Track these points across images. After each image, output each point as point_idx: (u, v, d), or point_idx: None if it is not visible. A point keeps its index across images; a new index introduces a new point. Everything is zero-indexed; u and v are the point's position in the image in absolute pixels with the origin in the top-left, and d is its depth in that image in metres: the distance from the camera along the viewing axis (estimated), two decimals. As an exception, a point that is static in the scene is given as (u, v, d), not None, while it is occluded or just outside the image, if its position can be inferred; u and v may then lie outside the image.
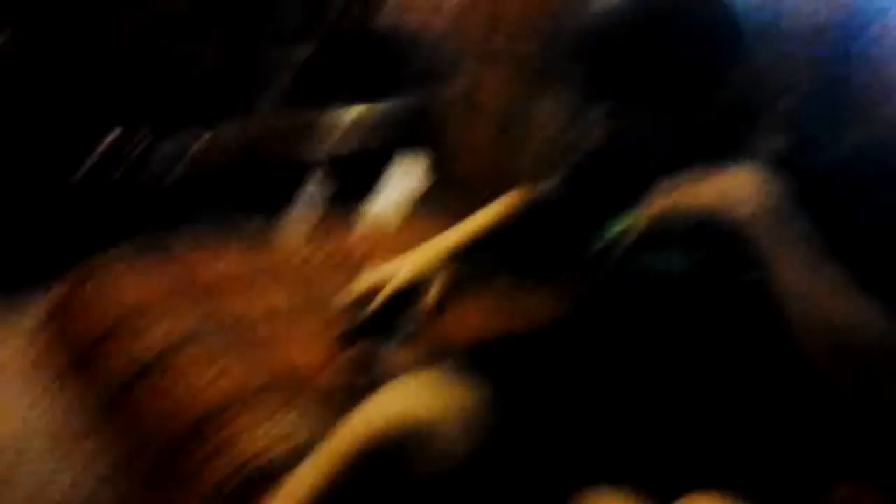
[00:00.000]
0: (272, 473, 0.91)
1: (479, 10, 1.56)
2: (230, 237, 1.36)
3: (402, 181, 1.92)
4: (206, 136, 1.58)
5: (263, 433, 0.96)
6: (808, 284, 0.76)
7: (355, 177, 1.73)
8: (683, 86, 0.91)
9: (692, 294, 0.90)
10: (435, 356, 1.05)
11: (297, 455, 0.91)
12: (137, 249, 1.31)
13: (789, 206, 0.78)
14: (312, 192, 1.64)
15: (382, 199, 1.72)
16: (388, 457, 0.84)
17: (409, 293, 1.04)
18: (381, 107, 1.75)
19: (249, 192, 1.57)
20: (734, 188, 0.81)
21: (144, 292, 1.21)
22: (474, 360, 0.94)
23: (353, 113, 1.66)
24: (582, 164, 1.16)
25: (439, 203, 1.59)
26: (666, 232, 0.88)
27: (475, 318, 1.19)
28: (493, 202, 1.23)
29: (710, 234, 0.83)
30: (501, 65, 1.51)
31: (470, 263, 1.11)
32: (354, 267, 1.28)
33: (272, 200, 1.59)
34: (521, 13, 1.48)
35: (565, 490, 0.81)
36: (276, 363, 1.07)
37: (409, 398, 0.86)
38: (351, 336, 1.02)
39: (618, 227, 0.97)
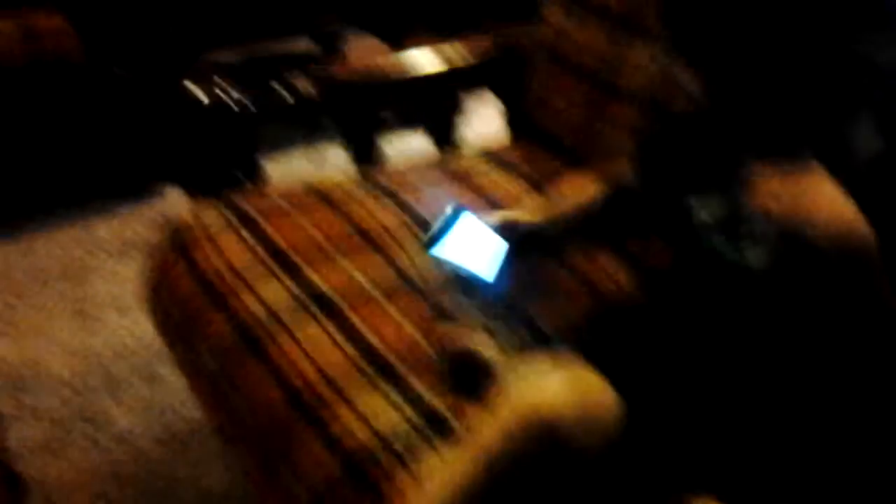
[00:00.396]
0: (374, 454, 0.96)
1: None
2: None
3: (484, 122, 1.92)
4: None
5: (364, 410, 1.01)
6: None
7: (437, 116, 1.74)
8: (783, 55, 0.87)
9: (772, 293, 0.91)
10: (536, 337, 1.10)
11: (399, 435, 0.97)
12: (222, 210, 1.36)
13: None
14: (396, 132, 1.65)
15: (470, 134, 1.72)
16: (543, 448, 0.81)
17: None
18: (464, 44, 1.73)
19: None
20: (836, 220, 0.80)
21: (238, 259, 1.26)
22: (587, 347, 0.94)
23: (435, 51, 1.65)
24: (665, 135, 1.14)
25: (518, 150, 1.59)
26: (756, 232, 0.88)
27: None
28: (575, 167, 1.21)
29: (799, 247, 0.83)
30: (589, 17, 1.47)
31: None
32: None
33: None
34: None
35: (672, 490, 0.84)
36: (371, 337, 1.11)
37: (551, 389, 0.83)
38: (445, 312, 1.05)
39: (707, 211, 0.98)
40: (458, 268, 1.10)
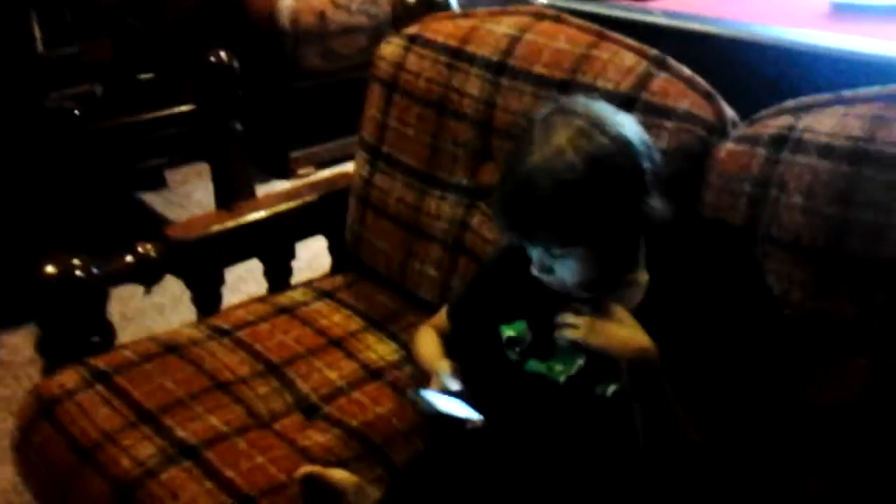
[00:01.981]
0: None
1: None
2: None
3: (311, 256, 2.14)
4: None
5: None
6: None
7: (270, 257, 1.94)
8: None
9: (571, 400, 1.19)
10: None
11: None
12: (81, 372, 1.50)
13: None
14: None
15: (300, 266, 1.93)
16: None
17: None
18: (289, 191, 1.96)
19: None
20: (626, 340, 1.09)
21: (102, 417, 1.40)
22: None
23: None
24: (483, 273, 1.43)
25: (343, 282, 1.83)
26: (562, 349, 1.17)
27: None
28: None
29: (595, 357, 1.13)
30: (392, 171, 1.74)
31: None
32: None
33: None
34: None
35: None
36: (241, 482, 1.28)
37: None
38: None
39: (511, 332, 1.25)
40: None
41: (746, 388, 1.19)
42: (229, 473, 1.30)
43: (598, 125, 1.13)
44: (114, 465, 1.32)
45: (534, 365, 1.24)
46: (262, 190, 3.10)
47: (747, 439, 1.21)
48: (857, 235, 1.17)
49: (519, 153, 1.15)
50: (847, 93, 1.26)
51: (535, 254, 1.17)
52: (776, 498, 1.24)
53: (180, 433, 1.37)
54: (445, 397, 1.21)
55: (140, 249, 1.65)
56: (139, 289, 2.19)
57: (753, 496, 1.25)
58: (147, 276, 1.67)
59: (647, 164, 1.14)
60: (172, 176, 3.49)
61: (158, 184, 3.42)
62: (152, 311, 2.61)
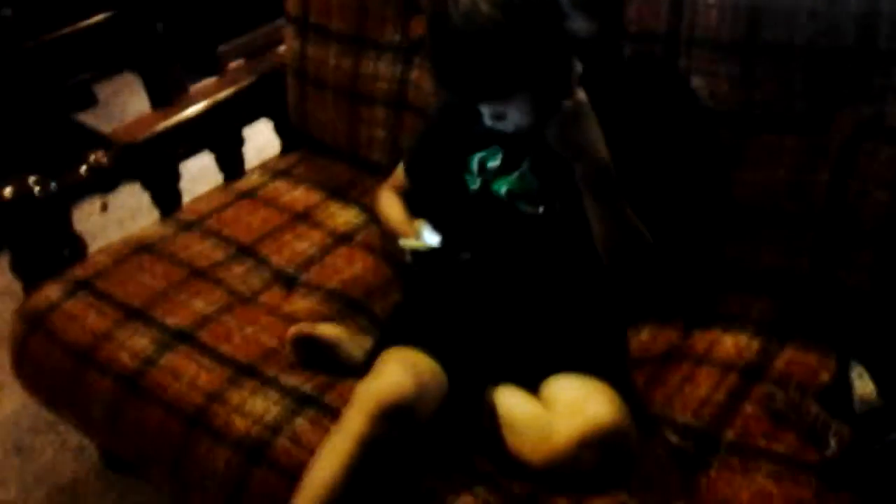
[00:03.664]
0: (260, 449, 1.22)
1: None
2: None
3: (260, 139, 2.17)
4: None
5: (243, 417, 1.27)
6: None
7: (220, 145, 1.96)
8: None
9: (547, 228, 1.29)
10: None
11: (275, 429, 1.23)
12: (61, 284, 1.55)
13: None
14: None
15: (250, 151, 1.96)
16: (397, 423, 1.09)
17: None
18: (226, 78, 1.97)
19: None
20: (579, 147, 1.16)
21: (92, 321, 1.46)
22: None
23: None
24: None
25: (295, 159, 1.87)
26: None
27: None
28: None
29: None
30: (324, 39, 1.75)
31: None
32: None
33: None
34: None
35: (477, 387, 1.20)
36: (236, 353, 1.36)
37: (393, 378, 1.12)
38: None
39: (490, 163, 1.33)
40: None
41: (683, 183, 1.29)
42: (224, 348, 1.37)
43: None
44: (113, 361, 1.39)
45: (502, 182, 1.32)
46: (194, 89, 3.06)
47: (689, 229, 1.31)
48: (772, 23, 1.23)
49: (438, 15, 1.17)
50: None
51: (483, 109, 1.23)
52: (715, 278, 1.36)
53: (170, 321, 1.43)
54: (432, 238, 1.30)
55: (92, 159, 1.66)
56: (96, 208, 2.22)
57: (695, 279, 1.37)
58: (103, 184, 1.69)
59: None
60: (102, 91, 3.41)
61: (89, 101, 3.35)
62: (114, 226, 2.63)
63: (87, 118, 3.27)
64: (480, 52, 1.13)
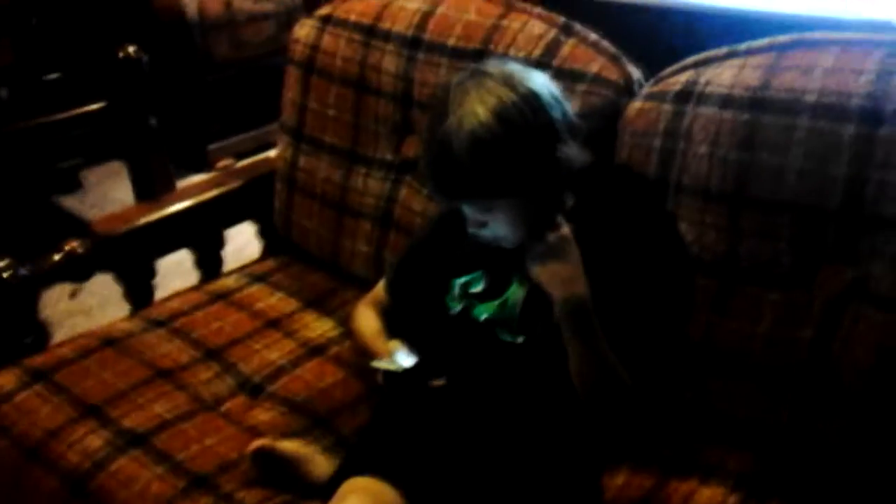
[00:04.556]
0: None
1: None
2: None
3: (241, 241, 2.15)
4: None
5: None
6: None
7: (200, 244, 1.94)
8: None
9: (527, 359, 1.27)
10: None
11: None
12: (18, 374, 1.49)
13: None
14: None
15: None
16: None
17: None
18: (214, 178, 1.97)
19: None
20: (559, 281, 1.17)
21: (46, 416, 1.40)
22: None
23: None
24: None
25: (275, 264, 1.85)
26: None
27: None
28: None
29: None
30: (317, 151, 1.77)
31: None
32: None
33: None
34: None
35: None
36: (193, 463, 1.30)
37: None
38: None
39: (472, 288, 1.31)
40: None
41: (662, 328, 1.28)
42: (180, 456, 1.31)
43: (507, 82, 1.19)
44: (62, 460, 1.33)
45: (483, 308, 1.30)
46: (181, 185, 3.07)
47: (667, 373, 1.30)
48: (760, 178, 1.25)
49: (436, 119, 1.20)
50: (741, 46, 1.34)
51: (467, 212, 1.23)
52: (694, 426, 1.33)
53: (126, 423, 1.38)
54: (406, 360, 1.27)
55: (68, 247, 1.63)
56: (65, 294, 2.17)
57: (674, 425, 1.34)
58: (76, 273, 1.66)
59: (556, 114, 1.21)
60: (87, 177, 3.42)
61: (74, 186, 3.35)
62: (80, 314, 2.58)
63: (70, 202, 3.27)
64: (470, 151, 1.15)
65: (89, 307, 2.58)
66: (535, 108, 1.19)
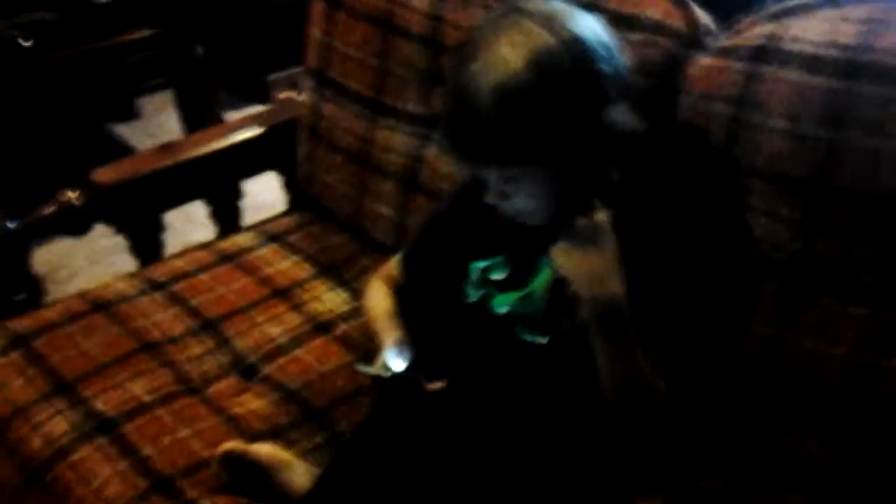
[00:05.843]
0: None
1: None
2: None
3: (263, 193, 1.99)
4: None
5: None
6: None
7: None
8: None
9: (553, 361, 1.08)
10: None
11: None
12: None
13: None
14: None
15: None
16: None
17: None
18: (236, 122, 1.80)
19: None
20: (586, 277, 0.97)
21: (15, 388, 1.28)
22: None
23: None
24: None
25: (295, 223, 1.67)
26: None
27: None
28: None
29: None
30: (342, 99, 1.56)
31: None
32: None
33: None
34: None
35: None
36: (160, 460, 1.16)
37: None
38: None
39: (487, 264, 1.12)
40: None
41: (713, 334, 1.05)
42: (147, 450, 1.17)
43: (547, 24, 0.96)
44: (24, 443, 1.20)
45: (503, 300, 1.10)
46: (239, 115, 2.92)
47: (714, 390, 1.07)
48: (850, 164, 0.99)
49: (460, 64, 0.99)
50: (841, -8, 1.06)
51: (489, 179, 1.02)
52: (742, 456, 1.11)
53: (98, 405, 1.24)
54: (396, 362, 1.08)
55: (62, 198, 1.49)
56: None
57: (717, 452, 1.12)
58: (73, 225, 1.52)
59: (605, 68, 0.98)
60: (145, 105, 3.31)
61: (130, 114, 3.25)
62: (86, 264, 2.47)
63: (124, 131, 3.18)
64: (495, 104, 0.94)
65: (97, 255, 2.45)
66: (578, 57, 0.96)
